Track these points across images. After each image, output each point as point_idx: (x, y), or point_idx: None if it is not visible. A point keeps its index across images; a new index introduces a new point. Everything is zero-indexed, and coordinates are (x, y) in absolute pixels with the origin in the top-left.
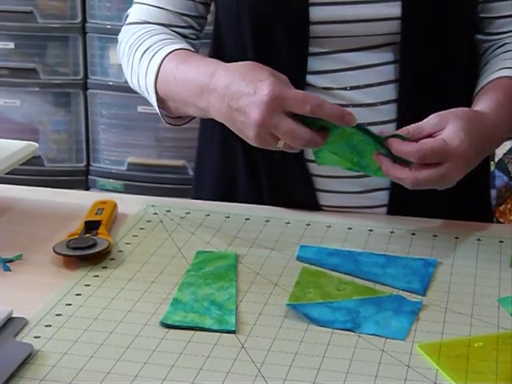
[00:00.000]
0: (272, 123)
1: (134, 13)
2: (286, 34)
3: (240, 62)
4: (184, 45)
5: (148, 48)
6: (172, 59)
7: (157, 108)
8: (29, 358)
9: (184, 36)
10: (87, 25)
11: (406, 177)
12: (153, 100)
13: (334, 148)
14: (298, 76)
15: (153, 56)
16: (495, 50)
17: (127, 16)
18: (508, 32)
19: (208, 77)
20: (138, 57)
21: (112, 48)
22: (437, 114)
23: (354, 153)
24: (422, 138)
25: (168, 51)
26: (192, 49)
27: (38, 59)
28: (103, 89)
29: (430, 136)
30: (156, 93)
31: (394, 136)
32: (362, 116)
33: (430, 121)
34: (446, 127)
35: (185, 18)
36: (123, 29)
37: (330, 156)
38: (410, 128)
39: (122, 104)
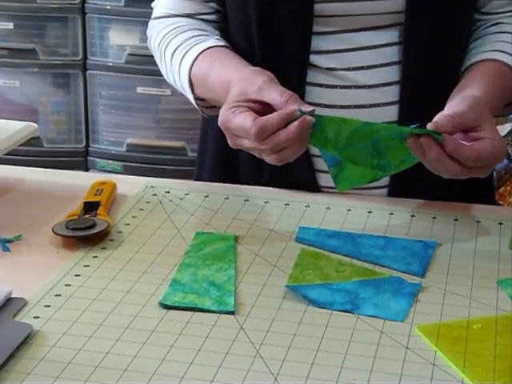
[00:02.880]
0: (237, 145)
1: (159, 6)
2: (291, 12)
3: (241, 74)
4: (210, 41)
5: (176, 49)
6: (199, 67)
7: (196, 105)
8: (28, 338)
9: (211, 21)
10: (86, 5)
11: (455, 169)
12: (191, 99)
13: (355, 151)
14: (301, 55)
15: (181, 59)
16: (488, 27)
17: (153, 9)
18: (503, 12)
19: (225, 89)
20: (168, 56)
21: (111, 29)
22: (469, 105)
23: (374, 154)
24: (458, 131)
25: (193, 58)
26: (217, 42)
27: (38, 40)
28: (103, 70)
29: (466, 130)
30: (193, 93)
31: (425, 131)
32: (364, 97)
33: (469, 115)
34: (482, 125)
35: (209, 4)
36: (150, 24)
37: (349, 175)
38: (456, 120)
39: (122, 85)
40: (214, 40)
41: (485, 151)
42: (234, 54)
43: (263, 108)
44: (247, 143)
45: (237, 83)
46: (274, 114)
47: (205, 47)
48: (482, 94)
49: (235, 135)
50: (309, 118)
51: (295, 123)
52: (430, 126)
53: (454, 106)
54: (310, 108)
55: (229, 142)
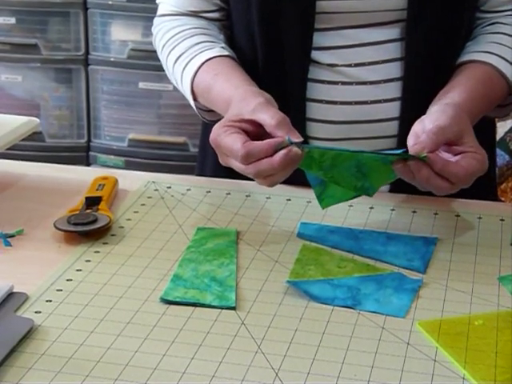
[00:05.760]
0: (226, 164)
1: (164, 3)
2: (293, 9)
3: (240, 94)
4: (214, 50)
5: (179, 56)
6: (202, 78)
7: (196, 111)
8: (29, 332)
9: (215, 19)
10: (89, 0)
11: (444, 186)
12: (191, 104)
13: (339, 171)
14: (303, 52)
15: (185, 67)
16: (486, 26)
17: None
18: (502, 11)
19: (227, 107)
20: (171, 61)
21: (114, 24)
22: (451, 118)
23: (358, 176)
24: (441, 146)
25: (197, 67)
26: (221, 51)
27: (40, 35)
28: (105, 65)
29: (449, 143)
30: (194, 100)
31: (411, 156)
32: (365, 93)
33: (451, 128)
34: (464, 137)
35: (213, 1)
36: (155, 21)
37: (333, 193)
38: (438, 138)
39: (124, 80)
40: (219, 49)
41: (471, 166)
42: (238, 67)
43: (256, 129)
44: (235, 164)
45: (235, 104)
46: (264, 141)
47: (208, 57)
48: (463, 101)
49: (225, 154)
50: (295, 149)
51: (280, 153)
52: (414, 148)
53: (436, 118)
54: (298, 138)
55: (219, 159)
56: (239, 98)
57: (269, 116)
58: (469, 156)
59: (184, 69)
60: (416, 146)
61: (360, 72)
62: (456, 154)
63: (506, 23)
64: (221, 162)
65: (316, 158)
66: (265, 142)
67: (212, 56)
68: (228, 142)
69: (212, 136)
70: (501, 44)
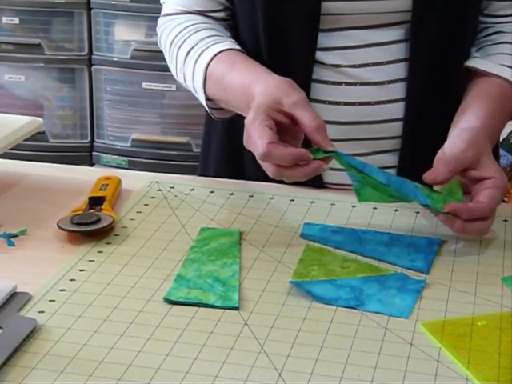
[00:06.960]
0: (248, 147)
1: (169, 3)
2: (298, 10)
3: (276, 80)
4: (226, 43)
5: (191, 49)
6: (216, 67)
7: (206, 106)
8: (32, 332)
9: (221, 19)
10: (92, 0)
11: (479, 228)
12: (201, 99)
13: (375, 182)
14: (307, 52)
15: (197, 58)
16: (489, 35)
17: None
18: (504, 16)
19: (245, 90)
20: (182, 55)
21: (117, 24)
22: (465, 142)
23: (392, 188)
24: (457, 173)
25: (210, 57)
26: (233, 45)
27: (43, 35)
28: (108, 65)
29: (467, 168)
30: (205, 93)
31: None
32: (369, 94)
33: (467, 154)
34: (481, 160)
35: (218, 0)
36: (160, 21)
37: (371, 193)
38: (451, 165)
39: (127, 80)
40: (230, 43)
41: (493, 199)
42: (252, 59)
43: (287, 121)
44: (255, 153)
45: (271, 88)
46: (287, 151)
47: (222, 48)
48: (481, 122)
49: (250, 141)
50: (325, 167)
51: (312, 167)
52: (428, 179)
53: (452, 145)
54: (332, 147)
55: (244, 140)
56: (275, 83)
57: (310, 117)
58: (489, 185)
59: (196, 61)
60: (430, 177)
61: (364, 73)
62: (475, 180)
63: (509, 31)
64: (244, 143)
65: (352, 167)
66: (288, 152)
67: (225, 48)
68: (255, 134)
69: (247, 119)
70: (506, 54)
